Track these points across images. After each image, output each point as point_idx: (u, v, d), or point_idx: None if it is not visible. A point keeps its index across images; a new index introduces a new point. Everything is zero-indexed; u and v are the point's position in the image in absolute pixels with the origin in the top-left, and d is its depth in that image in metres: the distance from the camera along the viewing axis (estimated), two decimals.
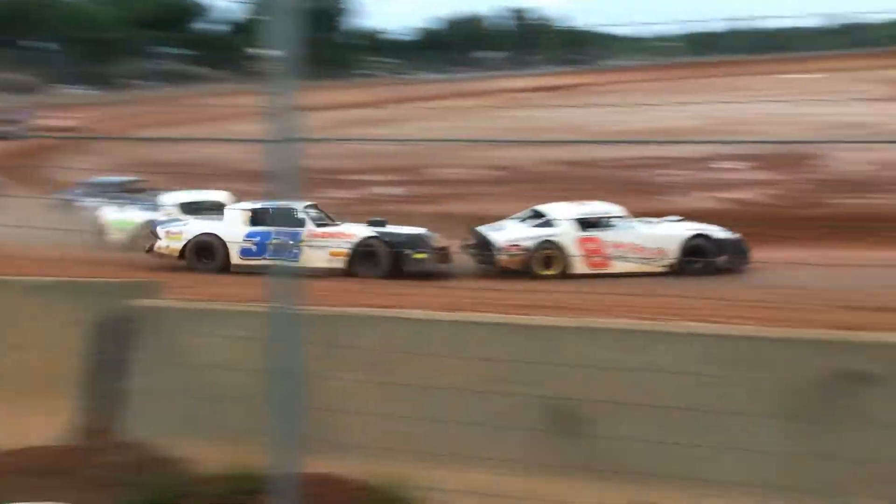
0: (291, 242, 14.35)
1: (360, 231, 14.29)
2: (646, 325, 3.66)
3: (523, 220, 14.95)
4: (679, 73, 51.52)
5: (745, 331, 3.73)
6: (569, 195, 17.51)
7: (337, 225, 14.65)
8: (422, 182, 24.65)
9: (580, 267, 14.02)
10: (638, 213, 15.64)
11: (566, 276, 13.89)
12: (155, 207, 16.04)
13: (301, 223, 13.94)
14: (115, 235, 15.83)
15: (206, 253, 14.37)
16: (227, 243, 14.32)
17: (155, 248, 14.58)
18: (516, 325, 3.71)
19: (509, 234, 14.35)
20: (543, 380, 3.46)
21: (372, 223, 14.54)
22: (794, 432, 3.39)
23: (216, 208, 15.41)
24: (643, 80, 50.46)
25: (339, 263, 13.96)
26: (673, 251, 13.98)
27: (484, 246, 14.40)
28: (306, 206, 14.23)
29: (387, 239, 14.12)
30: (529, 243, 14.10)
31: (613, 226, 14.44)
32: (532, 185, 23.04)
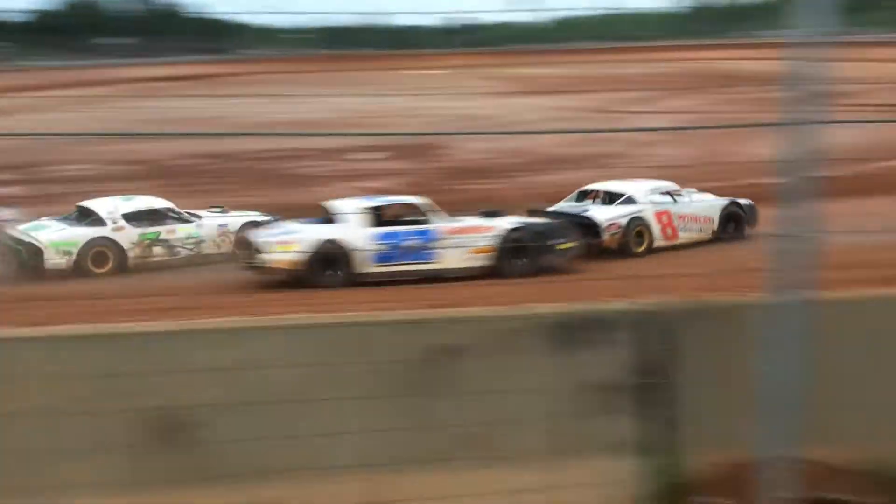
0: (425, 242, 12.55)
1: (498, 223, 13.03)
2: (248, 321, 3.62)
3: (579, 201, 14.90)
4: (314, 65, 52.38)
5: (349, 317, 3.86)
6: (211, 189, 16.99)
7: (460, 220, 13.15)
8: (41, 181, 22.35)
9: (659, 240, 14.29)
10: (286, 206, 15.58)
11: (652, 250, 14.01)
12: (93, 222, 14.06)
13: (428, 220, 12.76)
14: (57, 259, 13.55)
15: (331, 263, 12.39)
16: (351, 250, 12.34)
17: (263, 262, 12.37)
18: (103, 336, 3.46)
19: (607, 213, 14.16)
20: (140, 391, 3.27)
21: (487, 214, 13.36)
22: (399, 409, 3.58)
23: (159, 215, 14.31)
24: (280, 71, 50.58)
25: (480, 261, 12.69)
26: (716, 219, 14.90)
27: (584, 227, 13.83)
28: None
29: (534, 230, 13.13)
30: (623, 221, 14.05)
31: (673, 199, 14.93)
32: (171, 180, 21.98)
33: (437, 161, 26.32)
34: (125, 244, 13.99)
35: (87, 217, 14.34)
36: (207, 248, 14.54)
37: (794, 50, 3.44)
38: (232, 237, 14.50)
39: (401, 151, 27.02)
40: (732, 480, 3.93)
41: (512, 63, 54.59)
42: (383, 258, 12.53)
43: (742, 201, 15.50)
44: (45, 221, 14.46)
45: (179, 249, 14.35)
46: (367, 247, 12.43)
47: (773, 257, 3.69)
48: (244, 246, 13.16)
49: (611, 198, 14.81)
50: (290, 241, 12.65)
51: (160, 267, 14.07)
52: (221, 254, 14.48)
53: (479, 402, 3.73)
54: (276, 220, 14.60)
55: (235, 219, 14.91)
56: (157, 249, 14.26)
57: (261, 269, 12.69)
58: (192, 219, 14.74)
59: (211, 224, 14.67)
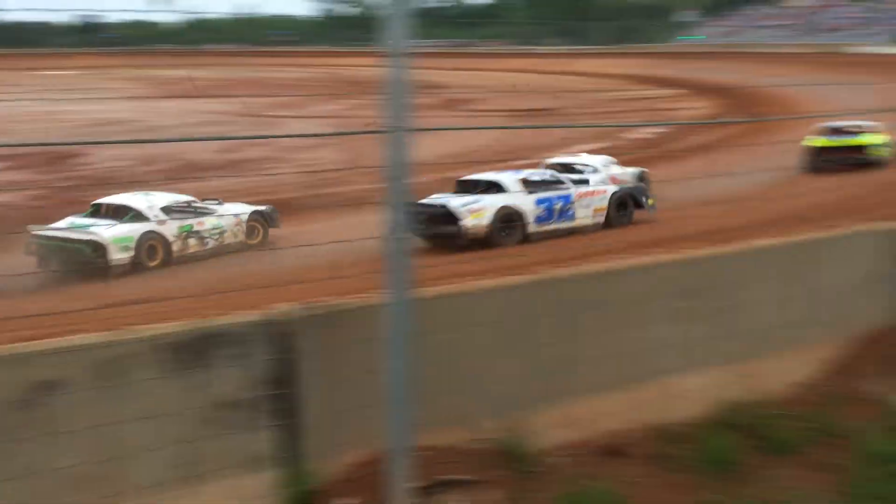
0: (566, 204, 15.85)
1: (609, 187, 16.35)
2: None
3: (546, 169, 17.36)
4: None
5: None
6: None
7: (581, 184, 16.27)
8: None
9: None
10: None
11: None
12: (135, 217, 14.25)
13: (567, 186, 15.77)
14: (120, 255, 13.72)
15: (508, 226, 14.74)
16: (522, 214, 14.94)
17: (462, 229, 14.34)
18: None
19: (593, 178, 17.11)
20: None
21: (578, 182, 16.16)
22: None
23: (187, 208, 14.82)
24: None
25: (599, 218, 15.88)
26: (631, 182, 18.23)
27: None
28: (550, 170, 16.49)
29: (629, 191, 16.50)
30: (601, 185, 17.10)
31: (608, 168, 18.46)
32: None
33: (71, 170, 24.17)
34: (170, 237, 14.41)
35: (121, 213, 14.35)
36: (228, 238, 15.24)
37: (389, 60, 3.60)
38: (244, 226, 15.43)
39: (26, 160, 24.40)
40: (365, 478, 4.03)
41: (148, 64, 51.94)
42: (541, 219, 15.35)
43: (644, 170, 19.34)
44: (75, 219, 14.36)
45: (208, 240, 14.94)
46: (532, 211, 15.10)
47: (385, 259, 3.83)
48: (437, 218, 14.32)
49: (565, 169, 17.72)
50: (480, 208, 14.66)
51: (197, 258, 14.56)
52: (238, 242, 15.29)
53: (91, 439, 3.40)
54: (275, 211, 15.91)
55: (243, 210, 15.65)
56: (190, 241, 14.74)
57: (455, 235, 14.36)
58: (213, 210, 15.29)
59: (229, 214, 15.38)
